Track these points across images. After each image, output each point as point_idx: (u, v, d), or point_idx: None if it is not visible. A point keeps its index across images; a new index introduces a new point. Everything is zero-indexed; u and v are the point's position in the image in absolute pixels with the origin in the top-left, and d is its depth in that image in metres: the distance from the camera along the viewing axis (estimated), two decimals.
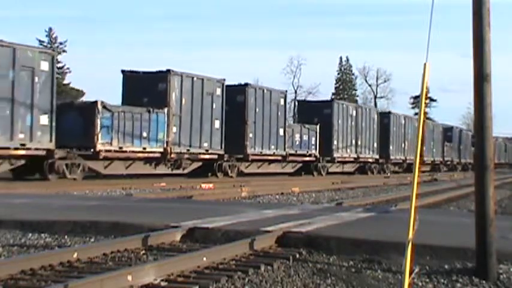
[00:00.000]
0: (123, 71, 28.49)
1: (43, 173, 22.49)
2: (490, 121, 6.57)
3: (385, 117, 46.01)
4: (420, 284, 6.22)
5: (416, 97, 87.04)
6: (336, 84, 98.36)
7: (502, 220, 9.13)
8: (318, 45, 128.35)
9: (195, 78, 28.40)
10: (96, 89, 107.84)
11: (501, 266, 6.67)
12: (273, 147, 33.25)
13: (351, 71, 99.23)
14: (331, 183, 26.43)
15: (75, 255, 6.70)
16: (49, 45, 69.45)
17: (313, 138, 37.01)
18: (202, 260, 6.59)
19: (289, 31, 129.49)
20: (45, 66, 22.12)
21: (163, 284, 5.81)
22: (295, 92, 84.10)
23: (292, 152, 35.07)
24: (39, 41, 69.69)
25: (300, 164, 36.71)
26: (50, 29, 75.49)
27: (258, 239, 7.65)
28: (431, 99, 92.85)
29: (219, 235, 8.26)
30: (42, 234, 8.63)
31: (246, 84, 32.27)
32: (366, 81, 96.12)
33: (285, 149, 34.17)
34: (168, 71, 27.12)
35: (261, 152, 32.33)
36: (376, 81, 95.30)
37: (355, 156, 41.31)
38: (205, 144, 28.88)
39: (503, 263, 6.77)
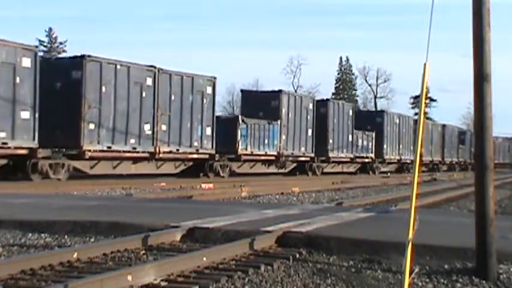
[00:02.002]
0: (242, 90, 38.25)
1: (203, 172, 28.80)
2: (490, 121, 6.57)
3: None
4: (420, 284, 6.22)
5: (416, 97, 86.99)
6: (336, 84, 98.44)
7: (502, 220, 9.13)
8: (318, 45, 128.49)
9: (297, 96, 36.91)
10: None
11: (501, 266, 6.67)
12: (344, 150, 40.07)
13: (351, 71, 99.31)
14: (331, 183, 26.43)
15: (75, 255, 6.69)
16: (49, 45, 69.49)
17: (370, 143, 43.83)
18: (202, 260, 6.59)
19: (289, 31, 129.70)
20: (209, 90, 28.89)
21: (163, 284, 5.81)
22: (295, 92, 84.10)
23: (357, 154, 41.83)
24: (39, 41, 69.80)
25: (360, 165, 43.08)
26: (50, 29, 75.67)
27: (258, 239, 7.64)
28: (431, 99, 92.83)
29: (219, 235, 8.26)
30: (42, 234, 8.63)
31: (328, 99, 41.75)
32: (366, 81, 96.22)
33: (352, 152, 41.06)
34: (280, 91, 34.80)
35: (337, 155, 39.20)
36: (376, 81, 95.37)
37: (398, 158, 47.99)
38: (303, 149, 35.79)
39: (503, 263, 6.77)
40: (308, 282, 6.15)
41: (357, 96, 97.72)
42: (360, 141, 42.23)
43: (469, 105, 79.87)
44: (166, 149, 26.47)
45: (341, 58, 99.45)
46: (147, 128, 25.54)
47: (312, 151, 36.46)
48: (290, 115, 34.45)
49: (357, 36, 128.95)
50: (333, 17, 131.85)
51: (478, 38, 6.53)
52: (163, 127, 26.34)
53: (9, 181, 20.45)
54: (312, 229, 8.48)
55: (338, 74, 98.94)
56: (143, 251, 7.42)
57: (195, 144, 28.06)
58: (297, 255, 7.35)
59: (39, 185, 19.79)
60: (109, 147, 24.07)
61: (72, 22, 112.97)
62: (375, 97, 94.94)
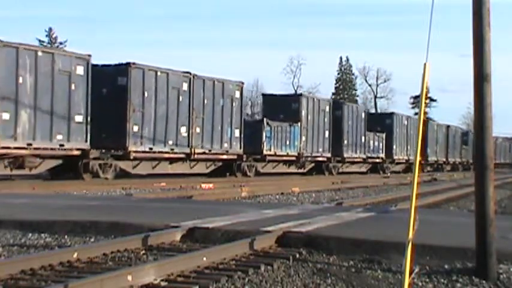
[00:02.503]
0: (263, 94, 41.30)
1: (231, 172, 30.59)
2: (490, 121, 6.57)
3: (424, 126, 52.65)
4: (420, 284, 6.22)
5: (416, 97, 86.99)
6: (336, 84, 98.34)
7: (502, 220, 9.12)
8: (318, 45, 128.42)
9: (315, 99, 38.37)
10: None
11: (501, 266, 6.67)
12: (358, 151, 41.87)
13: (351, 71, 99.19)
14: (331, 183, 26.43)
15: (75, 255, 6.69)
16: (49, 45, 69.44)
17: (381, 144, 45.59)
18: (202, 260, 6.59)
19: (289, 31, 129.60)
20: (237, 94, 30.84)
21: (163, 284, 5.81)
22: (295, 92, 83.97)
23: (369, 155, 43.59)
24: (39, 41, 69.71)
25: (371, 165, 44.61)
26: (50, 29, 75.67)
27: (258, 239, 7.64)
28: (431, 99, 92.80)
29: (219, 235, 8.26)
30: (42, 234, 8.63)
31: (343, 102, 44.58)
32: (366, 81, 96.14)
33: (365, 153, 42.85)
34: (300, 94, 38.24)
35: (351, 156, 41.01)
36: (376, 81, 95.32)
37: (406, 158, 49.26)
38: (320, 150, 37.45)
39: (503, 263, 6.77)
40: (308, 282, 6.15)
41: (357, 96, 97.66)
42: (371, 142, 44.13)
43: (469, 105, 79.97)
44: (200, 150, 28.36)
45: (341, 58, 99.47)
46: (183, 130, 27.47)
47: (329, 152, 38.10)
48: (309, 117, 36.15)
49: (357, 36, 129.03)
50: (333, 17, 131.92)
51: (478, 38, 6.53)
52: (198, 129, 28.30)
53: (62, 180, 21.87)
54: (312, 229, 8.48)
55: (338, 74, 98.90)
56: (143, 251, 7.42)
57: (225, 145, 29.90)
58: (297, 255, 7.34)
59: (40, 185, 19.79)
60: (150, 149, 25.86)
61: (72, 22, 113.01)
62: (375, 97, 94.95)
